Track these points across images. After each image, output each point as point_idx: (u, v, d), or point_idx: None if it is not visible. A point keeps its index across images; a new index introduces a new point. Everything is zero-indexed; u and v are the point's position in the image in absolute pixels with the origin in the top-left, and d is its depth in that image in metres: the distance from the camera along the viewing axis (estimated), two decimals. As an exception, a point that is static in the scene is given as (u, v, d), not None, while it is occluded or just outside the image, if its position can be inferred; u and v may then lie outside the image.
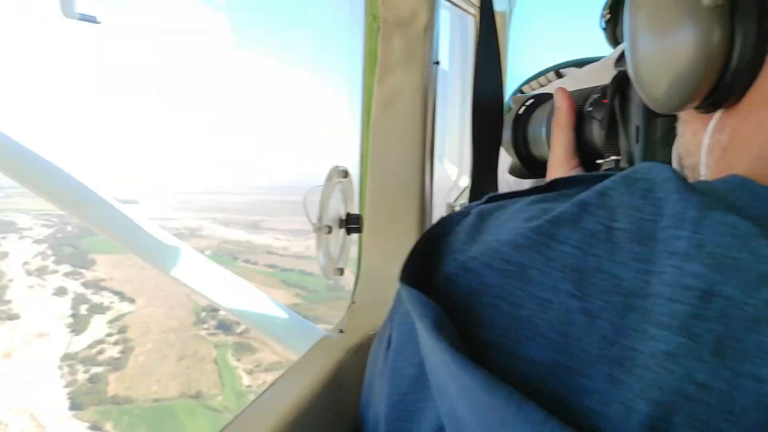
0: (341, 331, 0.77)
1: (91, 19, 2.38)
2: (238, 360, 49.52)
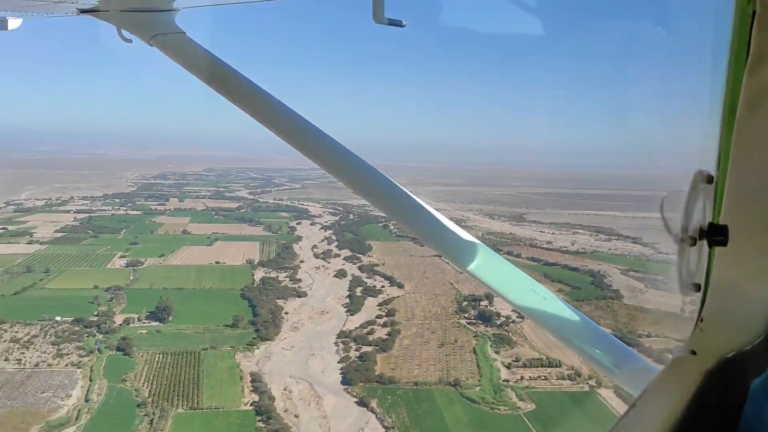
0: (693, 353, 0.70)
1: (398, 23, 2.93)
2: (497, 352, 49.86)
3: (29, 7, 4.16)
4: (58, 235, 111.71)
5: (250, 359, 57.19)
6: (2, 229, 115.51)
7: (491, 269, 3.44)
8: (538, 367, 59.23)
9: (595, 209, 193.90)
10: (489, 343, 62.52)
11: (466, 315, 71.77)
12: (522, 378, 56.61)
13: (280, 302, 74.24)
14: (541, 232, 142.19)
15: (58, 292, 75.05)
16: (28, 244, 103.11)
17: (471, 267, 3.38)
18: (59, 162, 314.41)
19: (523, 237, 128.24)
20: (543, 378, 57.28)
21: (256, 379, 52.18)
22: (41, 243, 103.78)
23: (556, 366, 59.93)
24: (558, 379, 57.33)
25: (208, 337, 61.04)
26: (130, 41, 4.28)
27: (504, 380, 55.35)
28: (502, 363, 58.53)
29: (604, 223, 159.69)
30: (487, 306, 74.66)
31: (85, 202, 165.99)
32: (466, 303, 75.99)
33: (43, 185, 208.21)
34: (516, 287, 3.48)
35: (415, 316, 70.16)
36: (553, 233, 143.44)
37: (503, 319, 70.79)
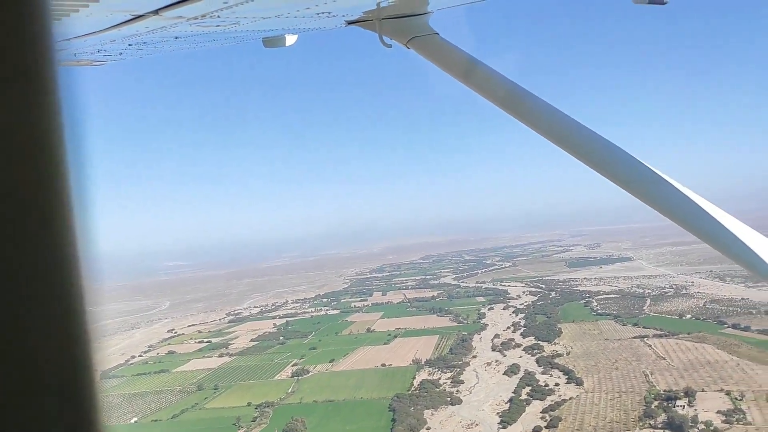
0: None
1: (659, 1, 4.44)
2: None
3: (306, 22, 4.48)
4: (252, 344, 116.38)
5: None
6: (207, 341, 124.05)
7: None
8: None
9: None
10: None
11: (651, 422, 56.09)
12: None
13: (427, 414, 65.83)
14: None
15: (213, 412, 75.54)
16: (219, 357, 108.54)
17: None
18: (294, 267, 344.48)
19: (759, 302, 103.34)
20: None
21: None
22: (231, 355, 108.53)
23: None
24: None
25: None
26: (390, 46, 4.70)
27: None
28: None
29: None
30: (684, 407, 58.09)
31: (296, 305, 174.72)
32: (656, 404, 60.10)
33: (268, 291, 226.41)
34: None
35: (584, 426, 56.64)
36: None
37: (701, 426, 53.87)
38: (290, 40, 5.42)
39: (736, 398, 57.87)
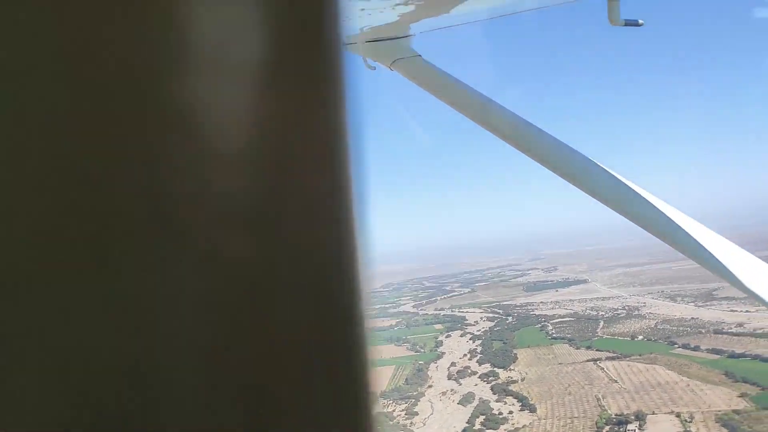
0: None
1: (635, 23, 3.04)
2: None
3: None
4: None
5: None
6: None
7: None
8: None
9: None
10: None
11: (603, 449, 55.69)
12: None
13: (379, 448, 64.12)
14: (732, 311, 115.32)
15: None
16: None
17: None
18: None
19: (708, 321, 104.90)
20: None
21: None
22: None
23: None
24: None
25: None
26: (374, 68, 4.77)
27: None
28: None
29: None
30: (635, 431, 57.94)
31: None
32: (608, 429, 59.87)
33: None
34: None
35: (536, 455, 55.85)
36: (748, 311, 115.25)
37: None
38: None
39: (685, 420, 58.08)
